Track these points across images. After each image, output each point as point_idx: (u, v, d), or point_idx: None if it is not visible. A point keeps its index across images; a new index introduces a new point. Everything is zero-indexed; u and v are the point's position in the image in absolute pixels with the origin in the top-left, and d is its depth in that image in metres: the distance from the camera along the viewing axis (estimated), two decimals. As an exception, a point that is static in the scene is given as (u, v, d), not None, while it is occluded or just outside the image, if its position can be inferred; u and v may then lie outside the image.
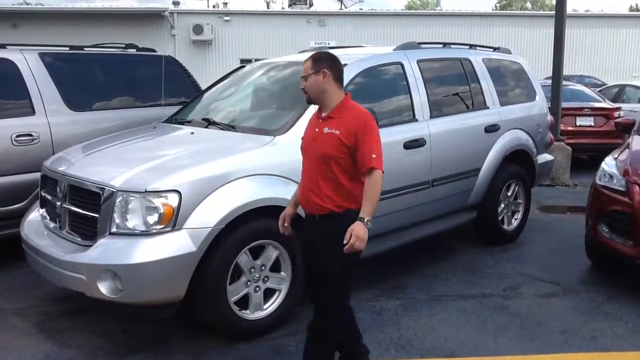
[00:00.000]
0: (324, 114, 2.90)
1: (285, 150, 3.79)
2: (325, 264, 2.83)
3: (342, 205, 2.81)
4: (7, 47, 5.14)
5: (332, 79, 2.86)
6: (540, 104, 6.06)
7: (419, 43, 5.19)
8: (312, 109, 3.95)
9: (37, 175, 4.23)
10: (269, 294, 3.72)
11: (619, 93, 13.00)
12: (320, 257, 2.85)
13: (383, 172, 2.78)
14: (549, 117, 6.27)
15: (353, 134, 2.76)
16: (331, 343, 2.98)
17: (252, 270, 3.59)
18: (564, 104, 9.16)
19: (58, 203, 3.73)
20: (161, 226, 3.25)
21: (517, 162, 5.60)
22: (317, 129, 2.89)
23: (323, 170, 2.82)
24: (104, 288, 3.22)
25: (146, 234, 3.26)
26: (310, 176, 2.89)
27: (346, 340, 3.11)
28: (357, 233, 2.68)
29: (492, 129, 5.24)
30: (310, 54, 2.97)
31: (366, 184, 2.77)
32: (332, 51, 5.57)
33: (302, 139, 3.05)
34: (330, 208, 2.82)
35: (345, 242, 2.68)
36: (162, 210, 3.24)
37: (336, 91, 2.88)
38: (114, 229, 3.31)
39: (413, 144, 4.47)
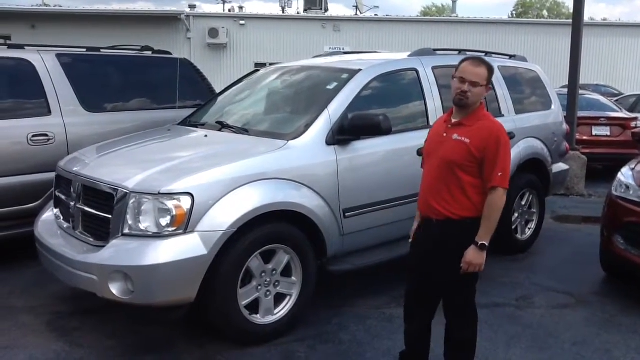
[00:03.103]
0: (454, 120, 2.90)
1: (298, 155, 3.80)
2: (448, 271, 2.86)
3: (459, 213, 2.82)
4: (25, 47, 5.20)
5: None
6: (556, 113, 6.01)
7: (434, 49, 5.17)
8: (326, 113, 3.97)
9: (52, 175, 4.26)
10: (279, 298, 3.71)
11: (636, 103, 12.87)
12: (442, 264, 2.88)
13: (507, 188, 2.82)
14: (565, 126, 6.21)
15: (483, 146, 2.76)
16: (471, 345, 3.04)
17: (263, 274, 3.58)
18: (580, 113, 9.08)
19: (72, 203, 3.75)
20: (173, 228, 3.25)
21: (532, 171, 5.55)
22: (445, 134, 2.89)
23: (446, 176, 2.83)
24: (115, 289, 3.23)
25: (158, 236, 3.26)
26: (431, 180, 2.91)
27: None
28: (468, 259, 2.77)
29: (506, 137, 5.19)
30: (478, 59, 2.91)
31: (486, 205, 2.79)
32: (345, 57, 5.57)
33: (425, 141, 3.07)
34: (448, 215, 2.84)
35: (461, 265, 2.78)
36: (174, 213, 3.24)
37: None
38: (126, 230, 3.32)
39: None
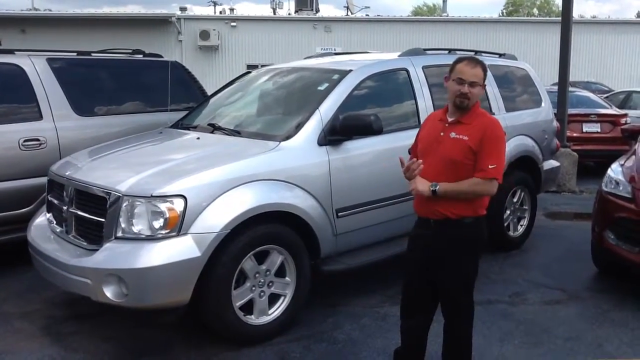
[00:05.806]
0: (450, 119, 2.89)
1: (290, 156, 3.81)
2: (446, 270, 2.86)
3: (457, 212, 2.81)
4: (16, 52, 5.19)
5: None
6: (546, 110, 6.05)
7: (424, 49, 5.20)
8: (318, 114, 3.99)
9: (44, 179, 4.25)
10: (273, 299, 3.72)
11: (625, 99, 12.98)
12: (439, 263, 2.88)
13: (499, 181, 2.82)
14: (555, 124, 6.26)
15: (479, 140, 2.77)
16: (468, 342, 3.04)
17: (257, 275, 3.59)
18: (571, 110, 9.14)
19: (64, 207, 3.75)
20: (166, 231, 3.26)
21: (523, 169, 5.58)
22: (442, 133, 2.88)
23: (445, 175, 2.81)
24: (109, 292, 3.23)
25: (152, 238, 3.27)
26: (429, 179, 2.85)
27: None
28: (418, 185, 2.76)
29: (497, 135, 5.22)
30: (474, 59, 2.91)
31: (474, 180, 2.77)
32: (336, 57, 5.58)
33: (417, 140, 3.06)
34: (446, 214, 2.82)
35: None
36: (167, 215, 3.25)
37: None
38: (119, 234, 3.32)
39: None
